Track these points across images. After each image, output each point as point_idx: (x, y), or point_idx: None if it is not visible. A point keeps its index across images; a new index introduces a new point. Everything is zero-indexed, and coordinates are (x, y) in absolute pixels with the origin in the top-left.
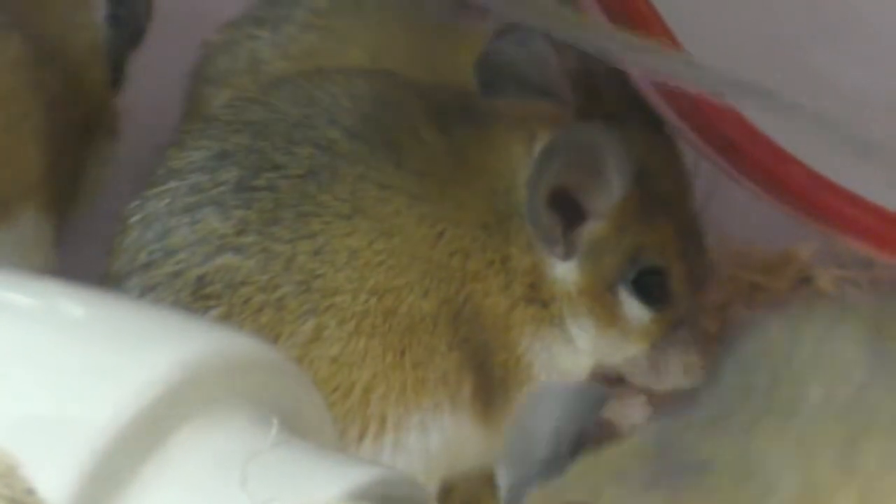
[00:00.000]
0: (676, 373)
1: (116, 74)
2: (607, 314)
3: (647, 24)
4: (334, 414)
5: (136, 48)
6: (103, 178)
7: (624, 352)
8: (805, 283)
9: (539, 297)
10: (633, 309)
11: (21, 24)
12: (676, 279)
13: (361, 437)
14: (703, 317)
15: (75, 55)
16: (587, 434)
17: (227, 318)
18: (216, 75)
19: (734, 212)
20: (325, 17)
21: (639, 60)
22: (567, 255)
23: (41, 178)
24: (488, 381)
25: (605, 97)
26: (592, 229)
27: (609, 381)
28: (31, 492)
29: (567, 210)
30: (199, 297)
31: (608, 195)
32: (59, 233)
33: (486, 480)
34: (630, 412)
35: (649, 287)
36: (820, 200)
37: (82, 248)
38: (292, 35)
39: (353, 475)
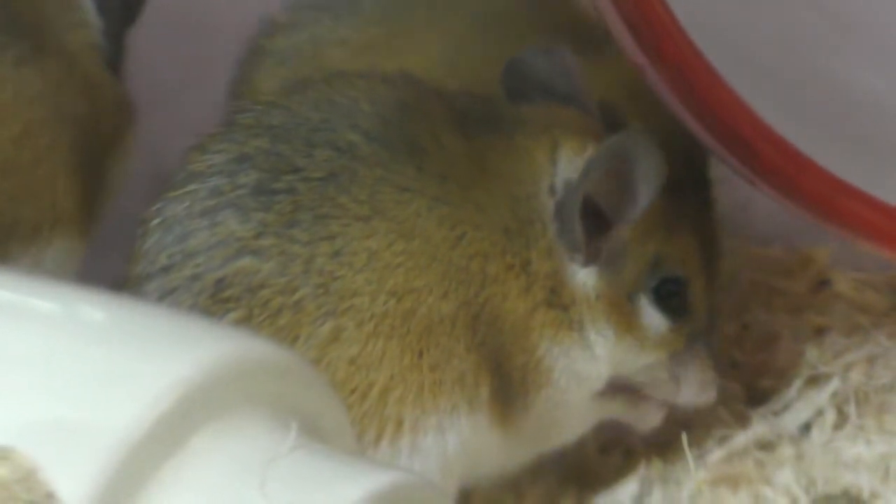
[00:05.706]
0: (692, 386)
1: (116, 59)
2: (625, 322)
3: (663, 28)
4: (352, 416)
5: (131, 26)
6: (127, 170)
7: (640, 361)
8: (823, 287)
9: (560, 301)
10: (652, 318)
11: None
12: (696, 291)
13: (378, 439)
14: (721, 320)
15: (76, 54)
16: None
17: (245, 321)
18: (276, 51)
19: (752, 215)
20: (392, 12)
21: None
22: (588, 262)
23: (72, 206)
24: (506, 383)
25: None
26: (615, 237)
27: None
28: (50, 495)
29: (591, 217)
30: (217, 301)
31: (633, 205)
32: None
33: (506, 484)
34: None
35: (669, 297)
36: (838, 204)
37: (100, 252)
38: (356, 26)
39: (373, 479)
